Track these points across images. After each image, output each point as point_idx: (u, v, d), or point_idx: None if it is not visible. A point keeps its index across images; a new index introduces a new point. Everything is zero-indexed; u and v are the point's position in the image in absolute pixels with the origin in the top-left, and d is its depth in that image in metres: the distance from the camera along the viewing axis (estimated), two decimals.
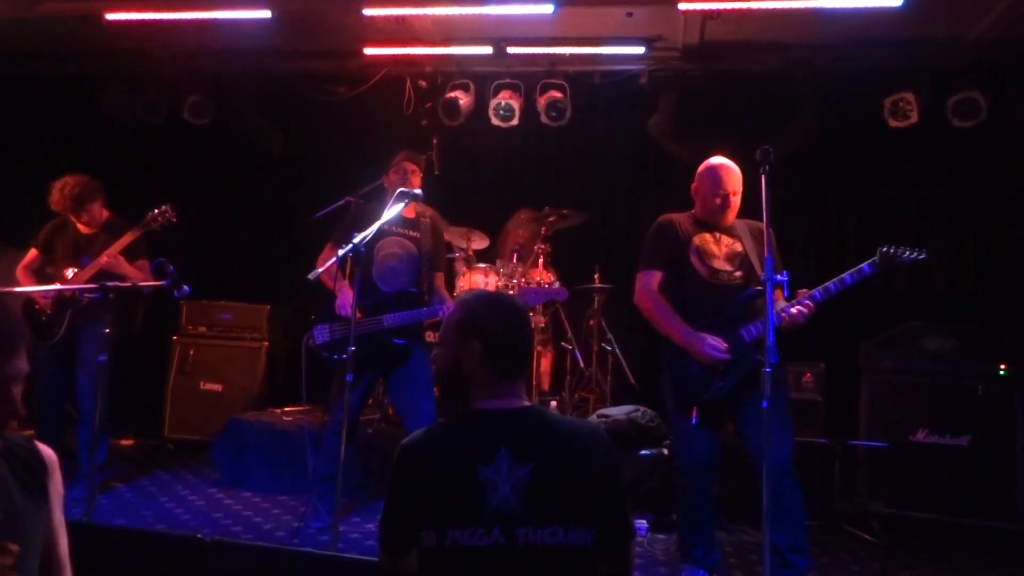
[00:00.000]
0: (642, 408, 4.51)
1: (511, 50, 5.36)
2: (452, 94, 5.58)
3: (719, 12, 4.54)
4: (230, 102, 5.97)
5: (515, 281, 4.97)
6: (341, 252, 3.17)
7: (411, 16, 4.89)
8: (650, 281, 3.28)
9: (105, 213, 4.46)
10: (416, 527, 1.52)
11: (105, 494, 4.34)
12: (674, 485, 3.34)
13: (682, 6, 4.51)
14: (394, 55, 5.58)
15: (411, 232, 3.99)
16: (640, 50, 5.34)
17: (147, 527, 3.83)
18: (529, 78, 5.61)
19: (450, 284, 4.98)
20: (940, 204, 5.50)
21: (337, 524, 3.08)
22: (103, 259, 4.13)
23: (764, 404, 2.45)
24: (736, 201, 3.27)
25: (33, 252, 4.42)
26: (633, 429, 4.36)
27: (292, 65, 5.91)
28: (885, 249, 3.09)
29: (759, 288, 3.08)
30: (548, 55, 5.51)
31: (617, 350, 5.29)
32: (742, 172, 3.31)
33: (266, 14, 4.86)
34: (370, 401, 4.73)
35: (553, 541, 1.48)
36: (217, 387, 5.50)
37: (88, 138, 6.34)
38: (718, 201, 3.25)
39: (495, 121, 5.57)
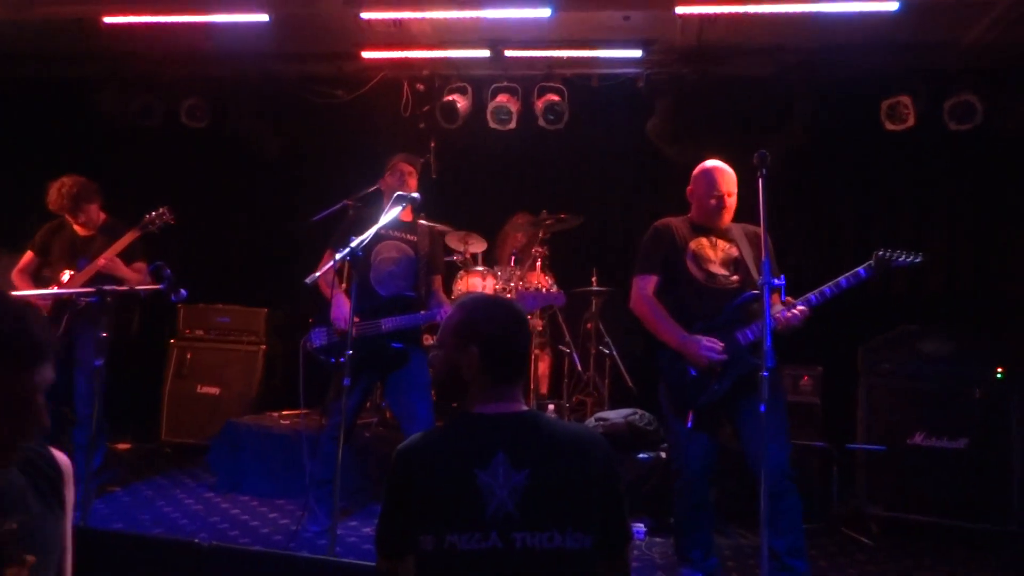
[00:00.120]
0: (640, 411, 4.51)
1: (508, 53, 5.36)
2: (450, 97, 5.58)
3: (716, 16, 4.55)
4: (227, 105, 5.97)
5: (513, 285, 4.97)
6: (338, 256, 3.16)
7: (409, 20, 4.90)
8: (646, 286, 3.29)
9: (102, 216, 4.45)
10: (414, 532, 1.52)
11: (102, 498, 4.33)
12: (672, 488, 3.33)
13: (679, 10, 4.52)
14: (392, 58, 5.58)
15: (408, 236, 3.99)
16: (637, 53, 5.35)
17: (144, 532, 3.82)
18: (526, 81, 5.62)
19: (448, 287, 4.97)
20: (937, 207, 5.51)
21: (335, 528, 3.07)
22: (101, 261, 4.12)
23: (762, 408, 2.45)
24: (731, 202, 3.28)
25: (29, 255, 4.41)
26: (631, 432, 4.36)
27: (289, 68, 5.91)
28: (881, 253, 3.11)
29: (755, 292, 3.10)
30: (545, 58, 5.52)
31: (615, 353, 5.29)
32: (739, 175, 3.31)
33: (264, 17, 4.86)
34: (368, 405, 4.73)
35: (550, 546, 1.48)
36: (214, 391, 5.49)
37: (85, 141, 6.33)
38: (713, 203, 3.26)
39: (493, 124, 5.57)
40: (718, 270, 3.24)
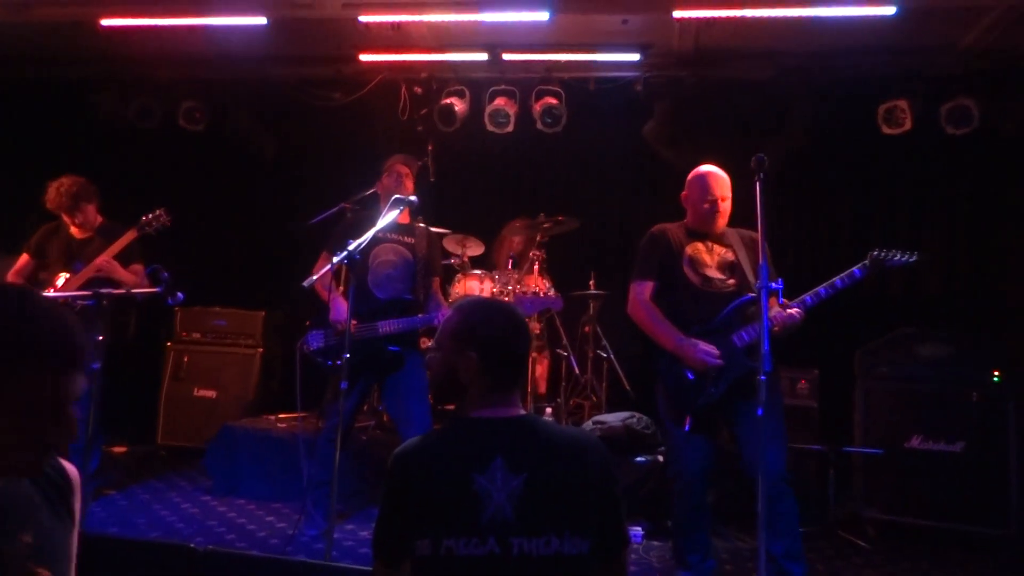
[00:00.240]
0: (637, 415, 4.51)
1: (506, 56, 5.37)
2: (447, 100, 5.58)
3: (713, 20, 4.57)
4: (225, 107, 5.96)
5: (510, 288, 4.96)
6: (335, 260, 3.16)
7: (407, 23, 4.90)
8: (642, 291, 3.30)
9: (99, 218, 4.44)
10: (411, 536, 1.51)
11: (98, 502, 4.31)
12: (669, 492, 3.33)
13: (677, 14, 4.53)
14: (390, 61, 5.59)
15: (406, 238, 3.98)
16: (635, 57, 5.36)
17: (140, 535, 3.81)
18: (524, 84, 5.63)
19: (445, 290, 4.97)
20: (934, 210, 5.52)
21: (331, 531, 3.06)
22: (98, 262, 4.11)
23: (759, 412, 2.45)
24: (725, 207, 3.29)
25: (25, 257, 4.40)
26: (628, 436, 4.36)
27: (287, 71, 5.91)
28: (876, 253, 3.12)
29: (752, 295, 3.11)
30: (543, 62, 5.53)
31: (612, 356, 5.29)
32: (736, 179, 3.32)
33: (261, 20, 4.86)
34: (365, 407, 4.72)
35: (548, 551, 1.48)
36: (211, 394, 5.48)
37: (82, 143, 6.32)
38: (707, 207, 3.27)
39: (490, 127, 5.58)
40: (714, 274, 3.25)
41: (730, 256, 3.29)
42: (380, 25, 4.91)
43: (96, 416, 3.61)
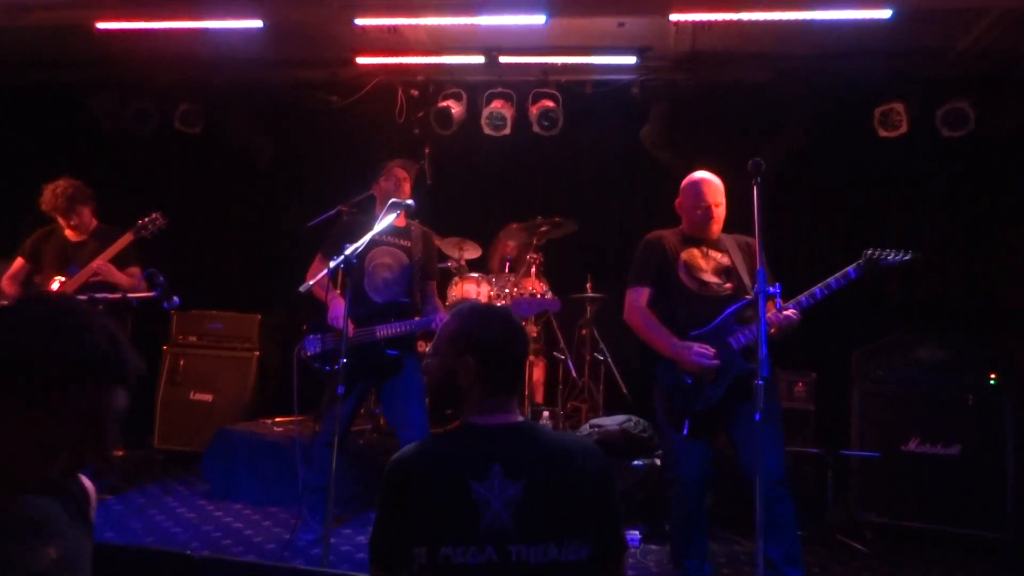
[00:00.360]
0: (635, 418, 4.51)
1: (503, 59, 5.37)
2: (444, 103, 5.58)
3: (710, 23, 4.57)
4: (221, 111, 5.95)
5: (507, 291, 4.96)
6: (332, 264, 3.15)
7: (403, 26, 4.89)
8: (638, 297, 3.31)
9: (94, 221, 4.43)
10: (408, 544, 1.50)
11: None
12: (667, 496, 3.33)
13: (673, 17, 4.53)
14: (386, 64, 5.58)
15: (402, 241, 3.98)
16: (631, 60, 5.36)
17: (136, 540, 3.79)
18: (521, 87, 5.63)
19: (442, 294, 4.96)
20: (930, 213, 5.53)
21: (328, 536, 3.06)
22: (94, 266, 4.10)
23: (757, 417, 2.45)
24: (718, 213, 3.30)
25: (19, 261, 4.38)
26: (626, 439, 4.35)
27: (284, 74, 5.90)
28: (870, 252, 3.13)
29: (749, 298, 3.11)
30: (540, 64, 5.53)
31: (609, 360, 5.29)
32: (733, 181, 3.33)
33: (258, 23, 4.84)
34: (362, 411, 4.71)
35: (546, 559, 1.47)
36: (207, 397, 5.46)
37: (78, 146, 6.30)
38: (700, 214, 3.29)
39: (487, 130, 5.58)
40: (710, 279, 3.26)
41: (726, 261, 3.30)
42: (376, 28, 4.90)
43: None
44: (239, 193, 6.57)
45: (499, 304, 4.72)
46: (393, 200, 3.54)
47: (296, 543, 3.70)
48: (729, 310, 3.14)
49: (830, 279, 3.10)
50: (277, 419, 5.15)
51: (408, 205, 3.60)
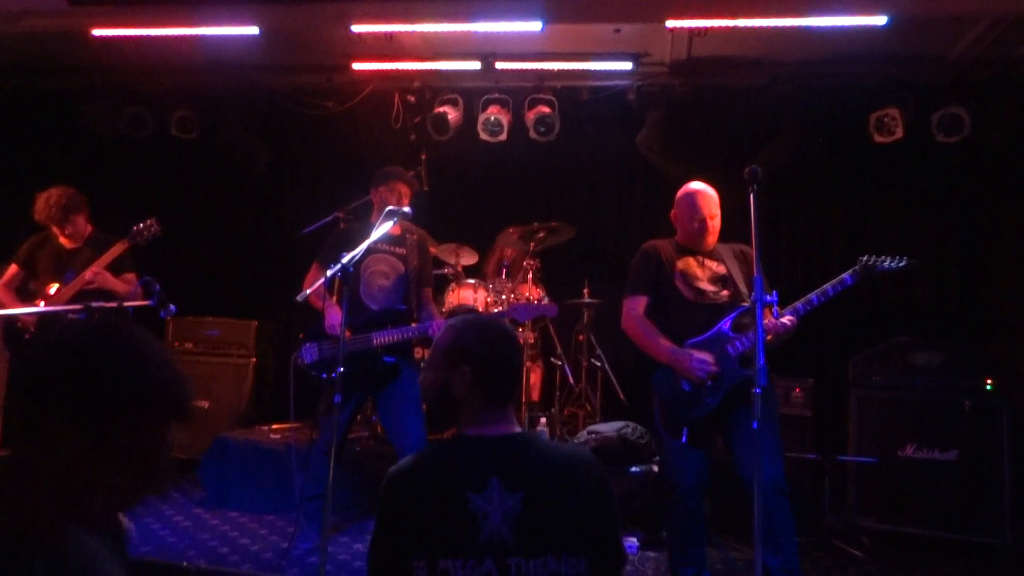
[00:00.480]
0: (632, 424, 4.50)
1: (499, 65, 5.36)
2: (440, 109, 5.58)
3: (706, 29, 4.57)
4: (217, 117, 5.94)
5: (504, 297, 4.96)
6: (329, 273, 3.15)
7: (400, 32, 4.89)
8: (636, 306, 3.32)
9: (89, 228, 4.41)
10: (406, 557, 1.50)
11: None
12: (665, 503, 3.32)
13: (669, 23, 4.53)
14: (382, 70, 5.57)
15: (397, 249, 3.97)
16: (628, 66, 5.36)
17: (132, 551, 3.76)
18: (517, 93, 5.62)
19: (439, 300, 4.96)
20: (926, 219, 5.54)
21: (325, 545, 3.04)
22: (89, 273, 4.08)
23: (755, 425, 2.45)
24: (713, 225, 3.31)
25: (13, 268, 4.36)
26: (623, 446, 4.35)
27: (280, 80, 5.89)
28: (865, 258, 3.14)
29: (746, 305, 3.12)
30: (536, 70, 5.53)
31: (606, 365, 5.28)
32: (729, 187, 3.33)
33: (254, 30, 4.84)
34: (358, 418, 4.70)
35: (545, 572, 1.47)
36: (204, 404, 5.44)
37: (74, 153, 6.28)
38: (696, 226, 3.29)
39: (484, 136, 5.57)
40: (707, 287, 3.27)
41: (721, 269, 3.31)
42: (372, 34, 4.89)
43: None
44: (235, 199, 6.55)
45: (496, 310, 4.72)
46: (390, 208, 3.54)
47: (293, 552, 3.69)
48: (725, 318, 3.15)
49: (827, 285, 3.11)
50: (274, 426, 5.14)
51: (405, 213, 3.60)
